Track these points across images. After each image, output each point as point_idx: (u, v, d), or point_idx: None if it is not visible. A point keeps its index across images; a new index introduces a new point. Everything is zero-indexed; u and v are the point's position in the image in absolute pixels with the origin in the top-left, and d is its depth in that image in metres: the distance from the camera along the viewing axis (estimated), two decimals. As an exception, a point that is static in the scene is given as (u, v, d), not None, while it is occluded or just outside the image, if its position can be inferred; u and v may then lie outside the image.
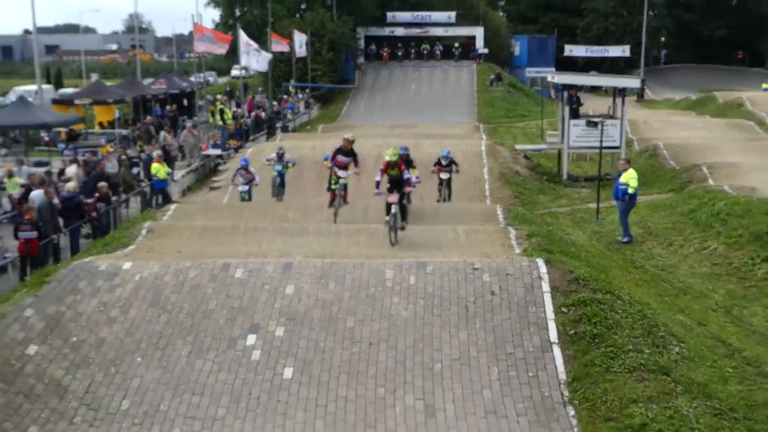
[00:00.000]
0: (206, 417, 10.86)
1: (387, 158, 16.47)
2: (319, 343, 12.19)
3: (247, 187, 22.41)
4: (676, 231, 20.65)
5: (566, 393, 11.20)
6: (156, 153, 25.00)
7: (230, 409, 11.00)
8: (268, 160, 23.16)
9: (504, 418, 10.87)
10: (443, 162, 22.46)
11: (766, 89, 55.45)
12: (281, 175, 22.42)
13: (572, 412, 10.86)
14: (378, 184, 16.63)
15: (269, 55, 41.02)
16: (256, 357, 11.93)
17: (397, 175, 16.69)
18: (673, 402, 10.68)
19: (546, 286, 13.16)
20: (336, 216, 18.35)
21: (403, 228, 16.65)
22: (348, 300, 13.04)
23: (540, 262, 13.85)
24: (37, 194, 18.77)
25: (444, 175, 22.54)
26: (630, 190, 19.59)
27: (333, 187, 18.46)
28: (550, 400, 11.13)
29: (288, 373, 11.65)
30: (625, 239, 19.77)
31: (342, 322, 12.61)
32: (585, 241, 19.50)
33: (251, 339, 12.27)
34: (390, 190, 16.52)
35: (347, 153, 18.22)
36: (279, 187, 22.41)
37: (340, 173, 18.19)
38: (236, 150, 31.55)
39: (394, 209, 16.07)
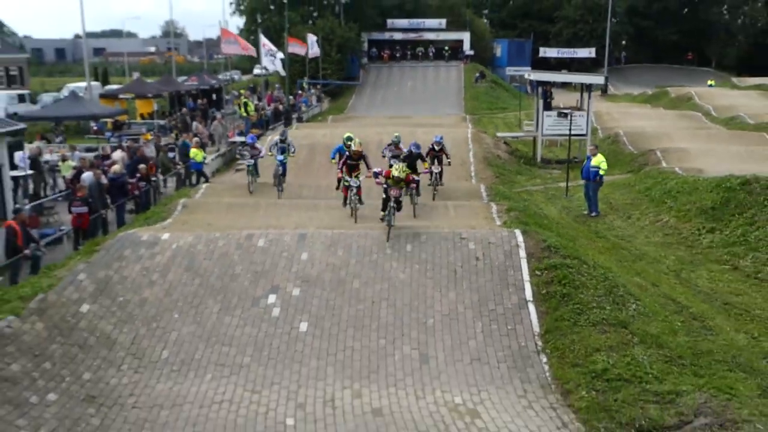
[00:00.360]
0: (234, 364, 10.92)
1: (395, 173, 14.15)
2: (330, 301, 12.23)
3: (253, 161, 20.60)
4: (633, 206, 20.65)
5: (539, 343, 11.25)
6: (195, 140, 24.93)
7: (254, 358, 11.06)
8: (270, 147, 21.04)
9: (487, 364, 10.93)
10: (436, 147, 19.59)
11: (710, 85, 55.32)
12: (283, 164, 20.09)
13: (544, 360, 10.93)
14: (377, 174, 14.85)
15: (281, 55, 41.01)
16: (276, 313, 11.98)
17: (401, 185, 14.43)
18: (630, 351, 10.72)
19: (522, 253, 13.18)
20: (356, 218, 16.00)
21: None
22: (354, 265, 13.06)
23: (517, 232, 13.87)
24: (87, 175, 18.71)
25: (435, 169, 19.35)
26: (601, 172, 19.62)
27: (346, 184, 16.74)
28: (526, 349, 11.18)
29: (303, 327, 11.70)
30: (593, 213, 19.76)
31: (349, 283, 12.64)
32: (556, 214, 19.49)
33: (272, 298, 12.31)
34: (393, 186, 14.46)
35: (357, 158, 16.69)
36: (281, 177, 19.92)
37: (353, 182, 16.33)
38: (258, 137, 31.37)
39: (392, 203, 14.09)
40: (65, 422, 9.12)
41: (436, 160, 19.64)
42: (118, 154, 23.01)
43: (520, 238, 13.61)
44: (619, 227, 19.19)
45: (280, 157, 20.04)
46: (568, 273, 12.53)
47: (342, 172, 16.75)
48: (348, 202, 16.69)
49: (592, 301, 11.91)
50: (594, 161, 19.67)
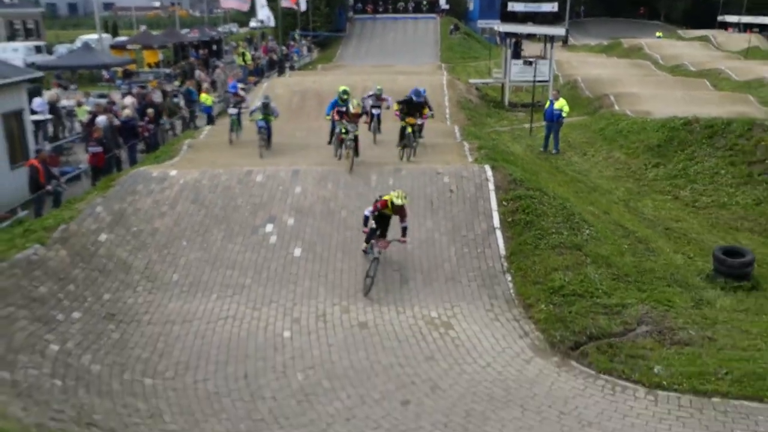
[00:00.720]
0: (237, 285, 10.95)
1: (398, 201, 10.81)
2: (321, 229, 12.22)
3: (236, 111, 17.58)
4: (589, 144, 20.62)
5: (505, 264, 11.35)
6: (205, 86, 24.41)
7: (254, 279, 11.09)
8: (251, 112, 16.74)
9: (459, 283, 11.03)
10: (416, 104, 15.66)
11: (659, 37, 54.65)
12: (268, 126, 16.43)
13: (509, 278, 11.05)
14: (366, 220, 11.18)
15: (269, 13, 40.46)
16: (273, 240, 11.97)
17: (390, 217, 11.23)
18: (584, 270, 10.86)
19: (491, 186, 13.17)
20: (351, 167, 13.87)
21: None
22: (342, 197, 13.01)
23: (487, 167, 13.82)
24: (101, 119, 18.32)
25: (419, 121, 15.68)
26: (564, 114, 19.49)
27: (343, 136, 14.25)
28: (494, 269, 11.28)
29: (297, 252, 11.71)
30: (554, 151, 19.71)
31: (338, 213, 12.61)
32: (521, 152, 19.41)
33: (269, 227, 12.28)
34: (380, 233, 11.13)
35: (355, 118, 14.15)
36: (265, 140, 16.34)
37: (350, 127, 13.92)
38: (255, 84, 30.71)
39: (377, 254, 10.98)
40: (89, 336, 9.15)
41: (417, 113, 15.83)
42: (128, 100, 22.50)
43: (489, 172, 13.58)
44: (576, 163, 19.20)
45: (261, 122, 16.34)
46: (531, 203, 12.57)
47: (339, 117, 14.33)
48: (342, 146, 14.45)
49: (551, 228, 11.98)
50: (557, 105, 19.53)
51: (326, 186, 13.28)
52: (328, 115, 15.64)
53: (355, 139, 14.00)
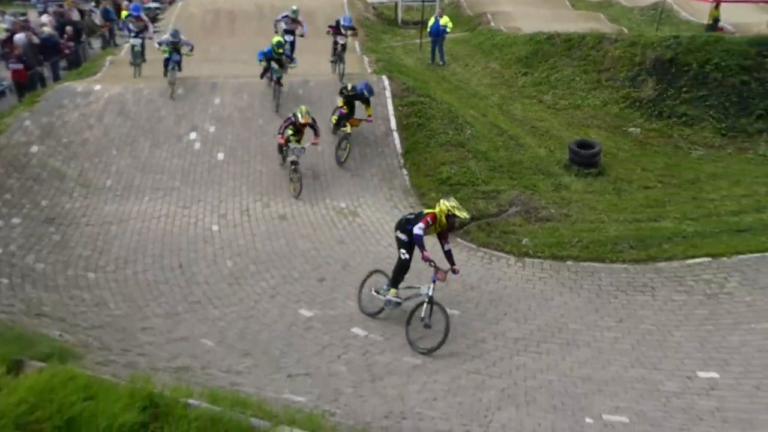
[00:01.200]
0: (167, 187, 10.50)
1: (462, 215, 7.20)
2: (240, 136, 11.77)
3: (139, 41, 13.98)
4: (470, 57, 20.52)
5: (402, 160, 11.42)
6: (125, 4, 22.04)
7: (183, 182, 10.66)
8: (159, 43, 13.17)
9: (363, 177, 11.06)
10: (342, 31, 14.21)
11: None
12: (178, 61, 12.91)
13: (405, 173, 11.16)
14: (420, 240, 7.07)
15: None
16: (198, 147, 11.44)
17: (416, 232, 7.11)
18: (466, 163, 11.11)
19: (389, 94, 12.99)
20: (299, 192, 10.51)
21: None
22: (258, 106, 12.48)
23: (384, 77, 13.57)
24: (19, 36, 16.33)
25: (341, 39, 14.00)
26: (448, 29, 19.16)
27: (286, 154, 10.70)
28: (392, 165, 11.35)
29: (220, 156, 11.28)
30: (441, 63, 19.52)
31: (255, 121, 12.13)
32: (412, 64, 19.10)
33: (193, 135, 11.69)
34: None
35: (304, 125, 10.60)
36: (172, 70, 12.66)
37: (296, 151, 10.39)
38: (170, 4, 28.19)
39: (431, 292, 7.24)
40: (31, 239, 8.59)
41: (338, 37, 14.16)
42: (45, 18, 20.13)
43: (386, 82, 13.34)
44: (459, 73, 19.15)
45: (177, 56, 12.93)
46: (422, 108, 12.54)
47: (283, 137, 10.57)
48: (289, 170, 10.72)
49: (439, 128, 12.07)
50: (441, 21, 19.15)
51: (243, 97, 12.65)
52: (260, 60, 12.65)
53: (302, 151, 10.48)
